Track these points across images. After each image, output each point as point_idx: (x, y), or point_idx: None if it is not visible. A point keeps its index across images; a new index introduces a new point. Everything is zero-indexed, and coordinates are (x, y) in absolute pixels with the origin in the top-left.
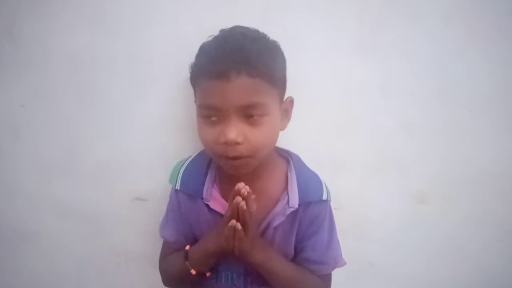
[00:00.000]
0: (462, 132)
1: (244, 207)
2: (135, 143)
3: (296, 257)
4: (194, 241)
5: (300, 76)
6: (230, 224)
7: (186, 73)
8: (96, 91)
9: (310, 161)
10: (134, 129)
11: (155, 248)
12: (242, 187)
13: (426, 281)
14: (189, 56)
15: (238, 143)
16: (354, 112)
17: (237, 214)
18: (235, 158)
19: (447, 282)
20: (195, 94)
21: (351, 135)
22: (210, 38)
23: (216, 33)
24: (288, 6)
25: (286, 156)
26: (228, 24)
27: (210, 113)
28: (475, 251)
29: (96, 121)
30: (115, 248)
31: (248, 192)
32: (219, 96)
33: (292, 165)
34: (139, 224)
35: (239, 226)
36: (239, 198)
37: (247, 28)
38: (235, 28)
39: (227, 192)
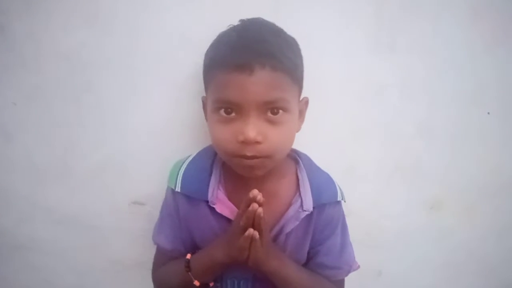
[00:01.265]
0: (484, 138)
1: (261, 214)
2: (132, 146)
3: (309, 263)
4: (193, 248)
5: (313, 76)
6: (247, 234)
7: (186, 74)
8: (92, 92)
9: (321, 166)
10: (131, 131)
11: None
12: (257, 194)
13: None
14: (190, 55)
15: (257, 142)
16: (370, 115)
17: (252, 222)
18: (252, 157)
19: None
20: (208, 88)
21: (366, 139)
22: (228, 28)
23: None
24: (301, 3)
25: (294, 156)
26: (235, 22)
27: (227, 108)
28: (494, 265)
29: (92, 123)
30: (112, 255)
31: (263, 200)
32: (239, 89)
33: (302, 165)
34: (137, 229)
35: (257, 235)
36: (255, 205)
37: (266, 21)
38: (253, 20)
39: (234, 195)
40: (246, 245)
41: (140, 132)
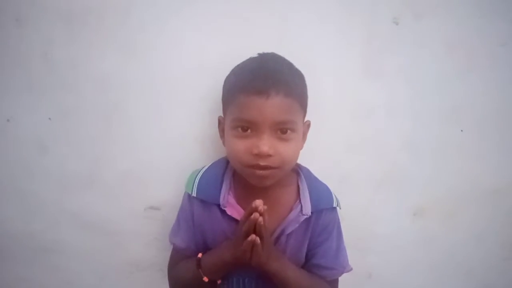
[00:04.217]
0: (461, 152)
1: (262, 222)
2: (150, 158)
3: (307, 264)
4: (204, 248)
5: (311, 98)
6: (249, 239)
7: (199, 96)
8: (118, 110)
9: (319, 176)
10: (150, 145)
11: (166, 257)
12: (260, 204)
13: None
14: (203, 80)
15: (269, 155)
16: (361, 132)
17: (254, 228)
18: (265, 168)
19: None
20: (227, 108)
21: (357, 153)
22: (245, 60)
23: (236, 58)
24: (299, 35)
25: (296, 169)
26: (244, 50)
27: (246, 125)
28: (476, 269)
29: (116, 138)
30: (128, 257)
31: (265, 209)
32: (257, 111)
33: (302, 177)
34: (151, 232)
35: (258, 240)
36: (257, 215)
37: (277, 55)
38: (267, 54)
39: (242, 200)
40: (249, 248)
41: (158, 146)
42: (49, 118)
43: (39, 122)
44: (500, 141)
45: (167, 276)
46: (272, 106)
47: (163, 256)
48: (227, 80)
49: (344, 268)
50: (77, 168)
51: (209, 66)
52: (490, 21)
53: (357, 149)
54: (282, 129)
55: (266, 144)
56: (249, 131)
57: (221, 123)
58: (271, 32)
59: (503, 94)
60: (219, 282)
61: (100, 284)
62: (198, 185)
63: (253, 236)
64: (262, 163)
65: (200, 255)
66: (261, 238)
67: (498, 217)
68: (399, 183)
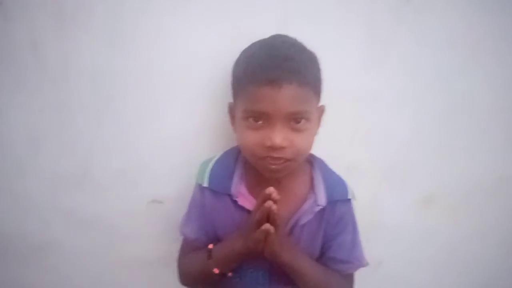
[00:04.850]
0: (469, 141)
1: (275, 210)
2: (150, 149)
3: (322, 257)
4: (215, 239)
5: None
6: (263, 227)
7: (199, 87)
8: (113, 105)
9: None
10: (149, 135)
11: (170, 251)
12: (273, 191)
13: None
14: (202, 71)
15: (283, 147)
16: (367, 121)
17: (267, 217)
18: (278, 160)
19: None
20: (237, 97)
21: (362, 144)
22: (255, 44)
23: (237, 44)
24: (301, 25)
25: (309, 159)
26: (243, 39)
27: (257, 117)
28: (484, 258)
29: (112, 131)
30: (131, 252)
31: (278, 197)
32: (269, 102)
33: (316, 167)
34: (154, 227)
35: (272, 229)
36: (270, 202)
37: (289, 37)
38: (279, 37)
39: (254, 190)
40: (262, 238)
41: (156, 140)
42: (40, 115)
43: (30, 119)
44: (509, 130)
45: (170, 270)
46: (284, 97)
47: (168, 250)
48: (236, 66)
49: (360, 262)
50: (70, 165)
51: (207, 55)
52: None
53: (362, 140)
54: (296, 119)
55: (279, 136)
56: (260, 122)
57: (231, 110)
58: (270, 20)
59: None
60: (230, 274)
61: (100, 281)
62: (209, 175)
63: (267, 225)
64: (275, 155)
65: (211, 246)
66: (275, 227)
67: (507, 206)
68: (406, 173)
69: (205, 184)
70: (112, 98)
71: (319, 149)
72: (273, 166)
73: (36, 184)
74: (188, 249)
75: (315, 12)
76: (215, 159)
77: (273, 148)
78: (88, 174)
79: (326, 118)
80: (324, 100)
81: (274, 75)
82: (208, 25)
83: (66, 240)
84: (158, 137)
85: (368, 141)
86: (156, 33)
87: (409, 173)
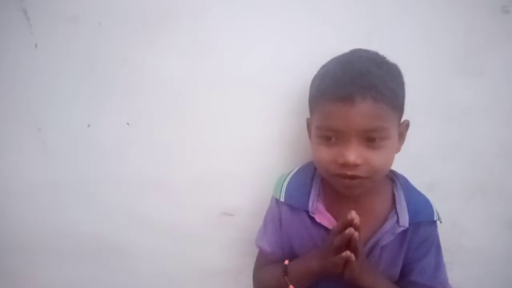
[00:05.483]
0: None
1: (357, 238)
2: (225, 161)
3: (402, 280)
4: (291, 254)
5: None
6: (344, 255)
7: (276, 98)
8: (193, 113)
9: None
10: (225, 148)
11: (238, 263)
12: (355, 217)
13: None
14: (280, 81)
15: (357, 165)
16: (454, 135)
17: (347, 242)
18: (352, 177)
19: None
20: (313, 113)
21: (448, 160)
22: (332, 60)
23: (318, 57)
24: (389, 30)
25: (391, 176)
26: (327, 50)
27: (330, 134)
28: None
29: (191, 142)
30: (200, 262)
31: (360, 222)
32: (342, 119)
33: (398, 185)
34: (224, 239)
35: (353, 257)
36: (352, 230)
37: (369, 51)
38: (357, 52)
39: (332, 207)
40: (341, 263)
41: (232, 150)
42: (127, 123)
43: (117, 127)
44: None
45: (237, 284)
46: (358, 114)
47: (236, 262)
48: (313, 81)
49: (445, 287)
50: (151, 172)
51: (287, 66)
52: None
53: (449, 155)
54: (370, 138)
55: (352, 154)
56: (333, 139)
57: (309, 125)
58: (356, 29)
59: None
60: None
61: (170, 287)
62: (286, 190)
63: (347, 253)
64: (349, 172)
65: (287, 261)
66: (355, 254)
67: None
68: (496, 193)
69: (282, 199)
70: (193, 107)
71: (398, 164)
72: (347, 181)
73: (118, 189)
74: (263, 262)
75: (404, 13)
76: (292, 173)
77: (347, 165)
78: (165, 181)
79: (409, 130)
80: (407, 109)
81: (347, 91)
82: (291, 31)
83: (144, 244)
84: (234, 148)
85: (456, 156)
86: (239, 40)
87: (501, 192)
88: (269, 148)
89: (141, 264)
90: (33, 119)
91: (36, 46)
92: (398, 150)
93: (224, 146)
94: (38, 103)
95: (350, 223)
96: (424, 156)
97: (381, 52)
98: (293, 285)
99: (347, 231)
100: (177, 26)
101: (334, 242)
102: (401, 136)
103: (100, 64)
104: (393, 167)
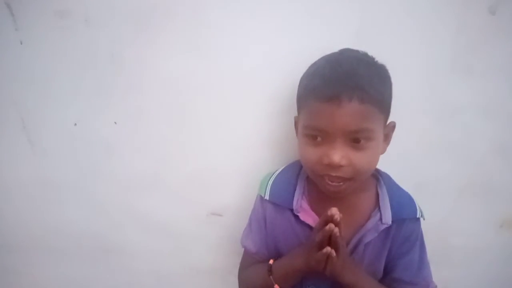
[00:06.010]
0: None
1: (338, 233)
2: (213, 162)
3: (386, 277)
4: (276, 253)
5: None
6: (324, 251)
7: (266, 96)
8: (185, 111)
9: None
10: (216, 147)
11: (227, 262)
12: (336, 213)
13: None
14: (270, 80)
15: (341, 166)
16: (443, 134)
17: (328, 239)
18: (337, 178)
19: None
20: (300, 111)
21: (438, 158)
22: (320, 59)
23: (308, 57)
24: (380, 29)
25: (375, 174)
26: (319, 47)
27: (316, 134)
28: None
29: (182, 140)
30: (190, 261)
31: (341, 218)
32: (327, 119)
33: (382, 182)
34: (213, 238)
35: (333, 253)
36: (332, 225)
37: (358, 51)
38: (346, 51)
39: (316, 205)
40: (323, 259)
41: (223, 149)
42: (115, 122)
43: (105, 125)
44: None
45: (224, 282)
46: (344, 115)
47: (224, 261)
48: (301, 80)
49: (427, 283)
50: (142, 170)
51: (276, 65)
52: None
53: (438, 154)
54: (355, 139)
55: (337, 154)
56: (319, 139)
57: (296, 123)
58: (348, 28)
59: None
60: None
61: (159, 285)
62: (271, 188)
63: (328, 249)
64: (333, 173)
65: (271, 261)
66: (336, 249)
67: None
68: (485, 191)
69: (266, 197)
70: (184, 105)
71: (386, 163)
72: (332, 185)
73: (109, 187)
74: (249, 261)
75: (397, 12)
76: (278, 171)
77: (331, 166)
78: (158, 179)
79: (397, 128)
80: (397, 108)
81: (334, 91)
82: (285, 30)
83: (135, 242)
84: (223, 147)
85: (445, 154)
86: (232, 38)
87: (490, 191)
88: (259, 147)
89: (132, 262)
90: (19, 116)
91: (21, 43)
92: (383, 151)
93: (214, 144)
94: (24, 101)
95: (331, 219)
96: (414, 154)
97: (372, 51)
98: (278, 285)
99: (327, 227)
100: (167, 22)
101: (316, 238)
102: (387, 138)
103: (87, 61)
104: (384, 166)
